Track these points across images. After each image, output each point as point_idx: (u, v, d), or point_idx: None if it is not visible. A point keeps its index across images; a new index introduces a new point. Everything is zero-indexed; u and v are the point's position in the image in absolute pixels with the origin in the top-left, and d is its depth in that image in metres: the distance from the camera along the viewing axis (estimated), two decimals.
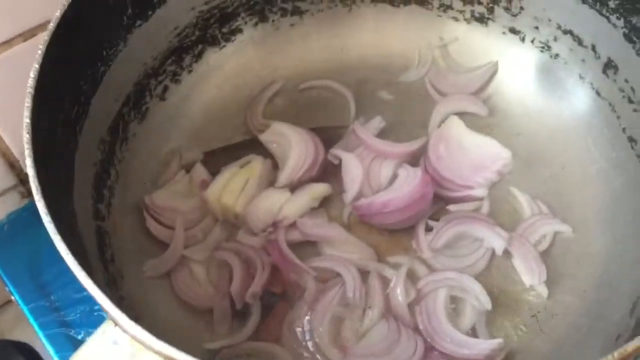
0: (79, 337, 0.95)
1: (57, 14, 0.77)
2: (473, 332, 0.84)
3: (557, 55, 1.01)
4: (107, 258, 0.84)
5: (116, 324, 0.58)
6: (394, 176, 0.95)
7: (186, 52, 1.03)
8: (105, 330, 0.59)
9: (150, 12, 0.93)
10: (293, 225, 0.91)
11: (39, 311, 0.98)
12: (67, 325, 0.96)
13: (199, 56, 1.05)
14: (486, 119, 1.04)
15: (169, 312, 0.86)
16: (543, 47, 1.02)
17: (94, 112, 0.87)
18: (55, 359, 0.94)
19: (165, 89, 1.02)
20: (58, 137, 0.78)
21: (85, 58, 0.85)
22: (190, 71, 1.05)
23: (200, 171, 0.98)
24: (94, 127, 0.87)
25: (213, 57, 1.07)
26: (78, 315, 0.97)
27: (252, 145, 1.01)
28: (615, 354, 0.54)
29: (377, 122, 1.01)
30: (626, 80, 0.91)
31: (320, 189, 0.94)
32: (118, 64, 0.91)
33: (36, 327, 0.96)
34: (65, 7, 0.78)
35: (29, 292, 0.99)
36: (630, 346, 0.54)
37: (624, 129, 0.92)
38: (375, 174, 0.96)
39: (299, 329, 0.83)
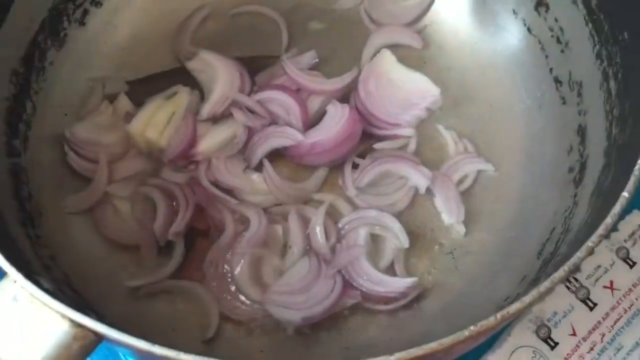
0: None
1: None
2: (391, 270, 0.87)
3: None
4: (23, 195, 0.82)
5: (15, 281, 0.57)
6: (322, 112, 0.94)
7: None
8: (4, 287, 0.58)
9: None
10: None
11: None
12: None
13: None
14: (420, 52, 1.02)
15: (91, 248, 0.86)
16: None
17: (3, 44, 0.82)
18: None
19: (85, 12, 0.97)
20: None
21: None
22: None
23: (124, 102, 0.95)
24: (4, 59, 0.83)
25: None
26: None
27: (180, 74, 0.98)
28: (498, 315, 0.57)
29: (310, 57, 0.98)
30: (556, 20, 0.90)
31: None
32: None
33: None
34: None
35: None
36: (513, 308, 0.57)
37: (551, 69, 0.92)
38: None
39: (219, 268, 0.84)
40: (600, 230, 0.58)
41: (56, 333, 0.58)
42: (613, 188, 0.65)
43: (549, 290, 0.57)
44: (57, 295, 0.58)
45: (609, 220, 0.58)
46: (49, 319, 0.58)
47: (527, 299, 0.58)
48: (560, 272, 0.58)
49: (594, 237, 0.58)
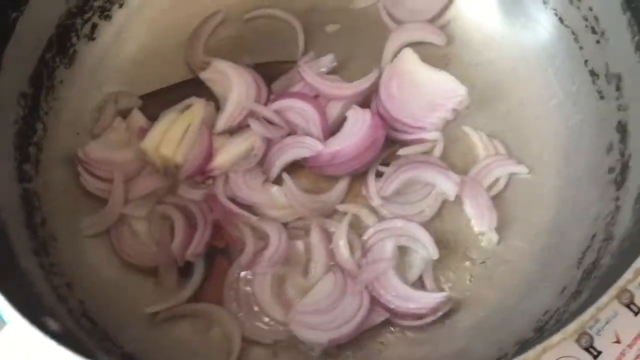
0: None
1: None
2: (420, 283, 0.83)
3: None
4: (36, 222, 0.80)
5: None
6: (343, 118, 0.90)
7: None
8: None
9: None
10: None
11: None
12: None
13: None
14: (443, 49, 0.97)
15: (109, 273, 0.84)
16: None
17: (9, 65, 0.80)
18: None
19: (94, 27, 0.94)
20: None
21: None
22: (121, 5, 0.97)
23: (137, 118, 0.92)
24: (11, 81, 0.80)
25: None
26: None
27: (194, 86, 0.95)
28: (540, 348, 0.52)
29: (328, 61, 0.93)
30: (590, 9, 0.84)
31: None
32: (32, 7, 0.82)
33: None
34: None
35: None
36: (556, 338, 0.52)
37: (586, 62, 0.86)
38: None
39: (240, 289, 0.80)
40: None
41: None
42: None
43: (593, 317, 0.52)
44: (65, 339, 0.54)
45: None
46: None
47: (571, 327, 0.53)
48: (604, 299, 0.52)
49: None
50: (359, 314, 0.79)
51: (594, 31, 0.84)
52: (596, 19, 0.83)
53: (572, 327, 0.58)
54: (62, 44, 0.90)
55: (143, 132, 0.90)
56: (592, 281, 0.68)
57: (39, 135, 0.86)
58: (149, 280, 0.84)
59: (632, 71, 0.77)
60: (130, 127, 0.92)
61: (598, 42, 0.84)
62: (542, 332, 0.68)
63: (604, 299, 0.53)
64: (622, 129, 0.79)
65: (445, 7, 0.98)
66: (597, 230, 0.75)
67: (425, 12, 0.99)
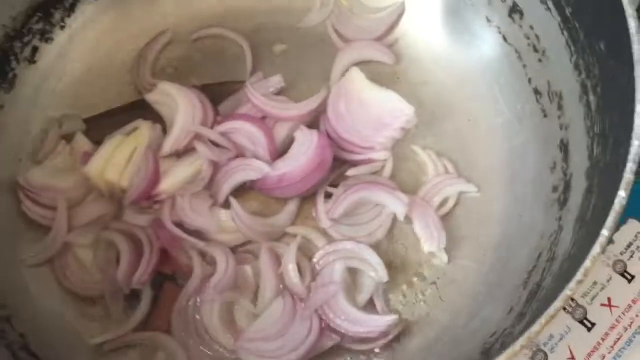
0: None
1: None
2: (371, 305, 0.82)
3: None
4: None
5: None
6: (291, 139, 0.89)
7: (54, 7, 0.92)
8: None
9: None
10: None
11: None
12: None
13: (71, 9, 0.95)
14: (391, 67, 0.97)
15: (52, 304, 0.82)
16: None
17: None
18: None
19: (35, 50, 0.92)
20: None
21: None
22: (62, 27, 0.95)
23: (81, 141, 0.90)
24: None
25: (89, 8, 0.96)
26: None
27: (140, 108, 0.93)
28: None
29: (276, 81, 0.93)
30: (531, 27, 0.85)
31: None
32: None
33: None
34: None
35: None
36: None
37: (529, 80, 0.87)
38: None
39: (188, 316, 0.79)
40: (568, 289, 0.53)
41: None
42: (594, 220, 0.60)
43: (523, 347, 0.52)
44: None
45: (578, 276, 0.53)
46: None
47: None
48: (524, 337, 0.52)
49: (558, 301, 0.53)
50: (308, 339, 0.78)
51: (535, 49, 0.85)
52: (537, 37, 0.85)
53: (515, 349, 0.58)
54: (1, 69, 0.87)
55: (87, 157, 0.88)
56: (534, 303, 0.68)
57: None
58: (94, 309, 0.82)
59: (571, 90, 0.78)
60: (74, 151, 0.90)
61: (540, 60, 0.85)
62: (488, 354, 0.68)
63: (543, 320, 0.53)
64: (564, 147, 0.80)
65: (393, 26, 0.99)
66: (542, 249, 0.76)
67: (372, 31, 0.99)
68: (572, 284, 0.53)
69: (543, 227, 0.78)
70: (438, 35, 0.97)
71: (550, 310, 0.53)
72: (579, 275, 0.53)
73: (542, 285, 0.70)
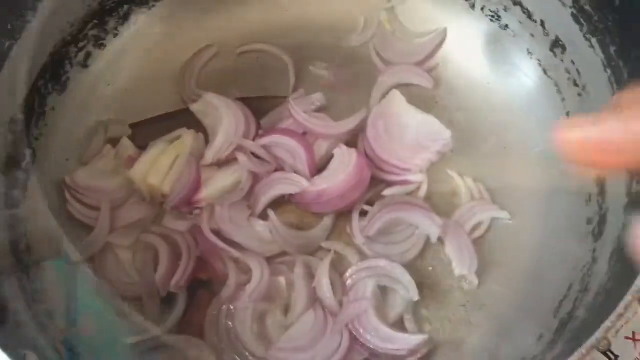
0: None
1: None
2: (400, 323, 0.84)
3: (506, 26, 0.95)
4: (21, 249, 0.80)
5: None
6: (330, 156, 0.91)
7: (110, 15, 0.96)
8: None
9: None
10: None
11: None
12: None
13: (125, 18, 0.98)
14: (431, 92, 0.99)
15: (93, 301, 0.83)
16: (493, 17, 0.96)
17: (1, 91, 0.80)
18: None
19: (88, 55, 0.95)
20: None
21: None
22: (116, 35, 0.98)
23: (127, 146, 0.93)
24: (3, 107, 0.81)
25: (142, 18, 1.00)
26: None
27: (185, 116, 0.95)
28: None
29: (317, 99, 0.95)
30: (572, 62, 0.87)
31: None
32: (28, 35, 0.83)
33: None
34: None
35: None
36: None
37: (567, 113, 0.89)
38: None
39: (222, 323, 0.81)
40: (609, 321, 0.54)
41: None
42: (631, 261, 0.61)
43: None
44: None
45: (608, 323, 0.54)
46: None
47: None
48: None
49: (599, 333, 0.54)
50: (338, 352, 0.79)
51: (575, 84, 0.87)
52: (578, 72, 0.86)
53: None
54: (56, 72, 0.91)
55: (131, 161, 0.91)
56: (566, 333, 0.69)
57: (28, 161, 0.86)
58: (131, 310, 0.83)
59: None
60: (119, 155, 0.92)
61: (580, 95, 0.86)
62: None
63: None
64: (600, 182, 0.81)
65: (434, 51, 1.01)
66: (574, 280, 0.77)
67: (414, 55, 1.01)
68: (613, 317, 0.54)
69: (576, 258, 0.79)
70: (478, 62, 0.99)
71: (592, 341, 0.54)
72: (619, 309, 0.54)
73: (575, 315, 0.71)
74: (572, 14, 0.83)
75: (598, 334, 0.54)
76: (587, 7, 0.80)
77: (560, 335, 0.71)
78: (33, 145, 0.87)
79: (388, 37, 1.02)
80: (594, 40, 0.81)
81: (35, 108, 0.88)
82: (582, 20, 0.82)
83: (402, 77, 0.99)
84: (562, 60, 0.88)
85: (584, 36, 0.82)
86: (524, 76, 0.95)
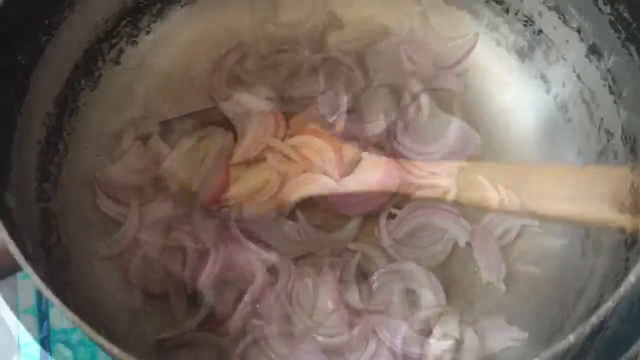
0: None
1: None
2: (427, 328, 0.83)
3: (540, 31, 0.94)
4: (52, 241, 0.81)
5: None
6: (358, 158, 0.91)
7: (143, 12, 0.96)
8: None
9: None
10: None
11: None
12: None
13: (158, 15, 0.98)
14: (460, 96, 0.98)
15: (120, 296, 0.84)
16: (527, 21, 0.95)
17: (37, 87, 0.81)
18: None
19: (121, 51, 0.96)
20: None
21: (23, 30, 0.78)
22: (148, 32, 0.98)
23: (156, 143, 0.93)
24: (37, 102, 0.82)
25: (175, 16, 1.00)
26: None
27: (215, 116, 0.96)
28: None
29: (346, 100, 0.95)
30: (608, 70, 0.85)
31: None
32: (63, 31, 0.84)
33: None
34: None
35: None
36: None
37: (602, 119, 0.87)
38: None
39: (247, 322, 0.81)
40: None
41: None
42: None
43: None
44: None
45: None
46: None
47: None
48: None
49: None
50: (363, 356, 0.79)
51: (611, 91, 0.86)
52: (614, 80, 0.85)
53: None
54: (89, 68, 0.91)
55: (161, 158, 0.91)
56: (596, 342, 0.68)
57: (60, 155, 0.87)
58: (158, 306, 0.84)
59: None
60: (149, 152, 0.93)
61: (615, 102, 0.85)
62: None
63: None
64: (634, 191, 0.80)
65: (464, 56, 1.00)
66: (605, 289, 0.76)
67: (444, 59, 1.00)
68: None
69: (607, 268, 0.78)
70: (508, 67, 0.98)
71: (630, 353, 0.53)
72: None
73: (606, 326, 0.70)
74: (610, 21, 0.82)
75: (636, 347, 0.53)
76: (626, 15, 0.79)
77: (591, 345, 0.70)
78: (66, 141, 0.88)
79: (419, 41, 1.02)
80: (632, 48, 0.80)
81: (69, 103, 0.89)
82: (619, 27, 0.81)
83: (432, 81, 0.98)
84: (598, 67, 0.87)
85: (622, 43, 0.81)
86: (556, 81, 0.93)
